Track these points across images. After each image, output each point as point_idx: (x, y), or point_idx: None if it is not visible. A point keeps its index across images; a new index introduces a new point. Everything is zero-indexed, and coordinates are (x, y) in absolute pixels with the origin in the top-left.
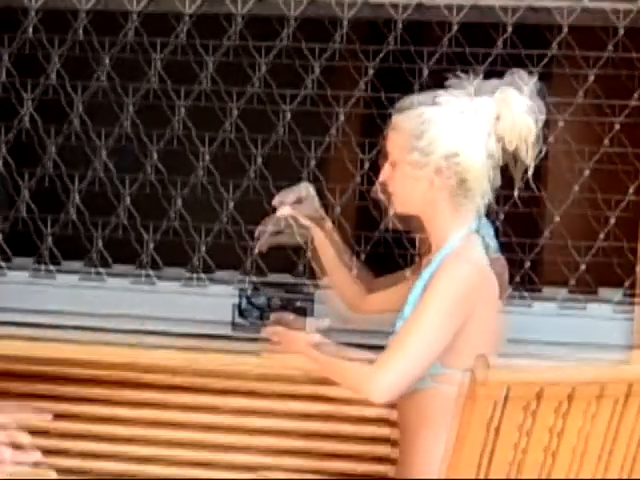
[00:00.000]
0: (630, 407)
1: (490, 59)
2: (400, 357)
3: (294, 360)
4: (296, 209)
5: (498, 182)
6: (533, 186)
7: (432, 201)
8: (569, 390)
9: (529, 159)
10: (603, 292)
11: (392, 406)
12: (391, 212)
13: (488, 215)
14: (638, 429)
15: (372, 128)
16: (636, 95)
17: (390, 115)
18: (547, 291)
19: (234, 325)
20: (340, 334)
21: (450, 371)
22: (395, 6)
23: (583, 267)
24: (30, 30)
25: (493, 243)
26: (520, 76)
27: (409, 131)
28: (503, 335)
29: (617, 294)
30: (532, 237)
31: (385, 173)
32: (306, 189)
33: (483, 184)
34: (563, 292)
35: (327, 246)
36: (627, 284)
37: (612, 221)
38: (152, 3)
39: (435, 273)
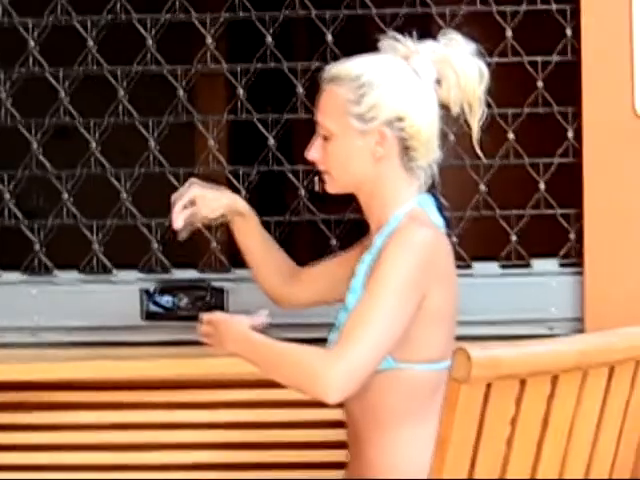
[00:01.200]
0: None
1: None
2: (357, 346)
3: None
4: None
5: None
6: (480, 153)
7: (373, 175)
8: (552, 377)
9: (475, 123)
10: (537, 264)
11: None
12: (327, 190)
13: (431, 189)
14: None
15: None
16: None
17: (318, 84)
18: (477, 267)
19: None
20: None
21: (405, 366)
22: None
23: (514, 238)
24: None
25: (438, 219)
26: (455, 37)
27: (344, 97)
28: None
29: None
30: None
31: (316, 149)
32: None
33: (429, 152)
34: (493, 267)
35: (244, 234)
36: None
37: (542, 187)
38: None
39: (383, 248)
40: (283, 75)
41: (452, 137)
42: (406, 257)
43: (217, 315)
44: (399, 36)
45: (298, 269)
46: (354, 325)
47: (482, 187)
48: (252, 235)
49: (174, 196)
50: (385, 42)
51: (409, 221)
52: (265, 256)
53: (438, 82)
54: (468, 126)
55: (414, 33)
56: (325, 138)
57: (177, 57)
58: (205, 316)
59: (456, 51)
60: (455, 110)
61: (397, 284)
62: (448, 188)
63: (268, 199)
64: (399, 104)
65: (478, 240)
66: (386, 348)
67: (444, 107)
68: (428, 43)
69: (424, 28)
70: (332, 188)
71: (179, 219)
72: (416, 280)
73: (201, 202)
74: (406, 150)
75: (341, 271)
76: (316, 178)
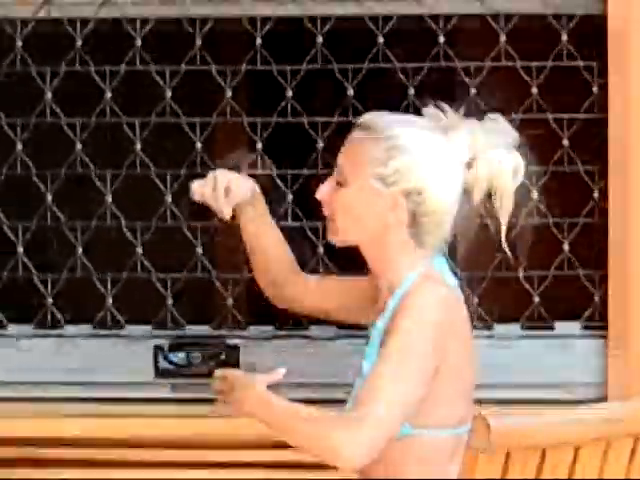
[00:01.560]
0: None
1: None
2: (376, 411)
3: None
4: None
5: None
6: (507, 250)
7: (378, 237)
8: (573, 450)
9: (503, 217)
10: (560, 326)
11: None
12: (327, 238)
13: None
14: None
15: None
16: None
17: (352, 126)
18: (499, 328)
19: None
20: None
21: (422, 432)
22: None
23: (537, 299)
24: None
25: (452, 280)
26: (500, 123)
27: (372, 153)
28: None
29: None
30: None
31: (327, 191)
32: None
33: (439, 231)
34: (515, 329)
35: (254, 220)
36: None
37: (565, 247)
38: None
39: (397, 310)
40: (303, 129)
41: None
42: (422, 317)
43: (232, 372)
44: (445, 106)
45: (300, 273)
46: (372, 389)
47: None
48: (262, 221)
49: (196, 186)
50: (430, 109)
51: (422, 283)
52: (274, 246)
53: (468, 165)
54: (490, 216)
55: (461, 109)
56: (339, 183)
57: (196, 108)
58: (219, 372)
59: (495, 140)
60: (476, 199)
61: (414, 345)
62: (470, 247)
63: None
64: (423, 178)
65: (500, 301)
66: (406, 412)
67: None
68: (470, 122)
69: (448, 82)
70: (333, 237)
71: (227, 209)
72: (433, 340)
73: (235, 185)
74: (415, 224)
75: (352, 296)
76: None
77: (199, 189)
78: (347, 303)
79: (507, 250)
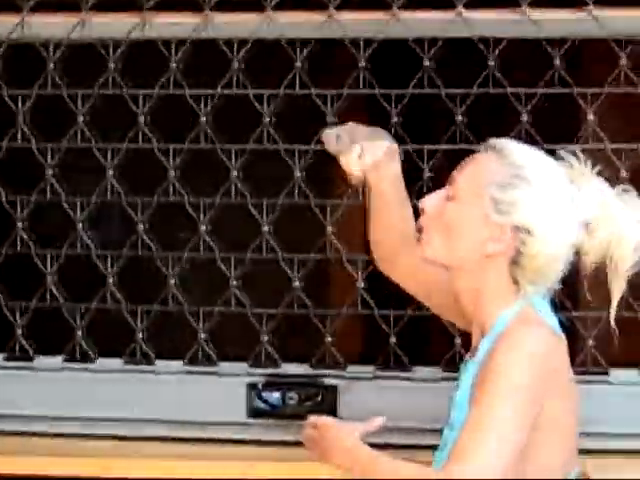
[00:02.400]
0: None
1: None
2: (474, 462)
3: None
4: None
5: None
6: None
7: (475, 264)
8: None
9: (615, 293)
10: None
11: None
12: (418, 253)
13: None
14: None
15: None
16: None
17: (479, 145)
18: (615, 374)
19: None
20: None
21: None
22: None
23: None
24: None
25: (553, 320)
26: (632, 196)
27: (494, 175)
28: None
29: None
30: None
31: (433, 201)
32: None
33: (538, 278)
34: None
35: (383, 180)
36: None
37: None
38: None
39: (491, 353)
40: None
41: None
42: (520, 363)
43: (326, 420)
44: (580, 155)
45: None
46: (471, 438)
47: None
48: (393, 181)
49: (326, 136)
50: (566, 152)
51: (520, 323)
52: (401, 206)
53: (586, 226)
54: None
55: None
56: (448, 197)
57: (231, 134)
58: (312, 419)
59: (626, 212)
60: (588, 264)
61: (512, 393)
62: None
63: None
64: (538, 218)
65: (616, 344)
66: (508, 459)
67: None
68: (601, 183)
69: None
70: (425, 252)
71: (357, 170)
72: (532, 389)
73: (366, 150)
74: (516, 263)
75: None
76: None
77: (333, 140)
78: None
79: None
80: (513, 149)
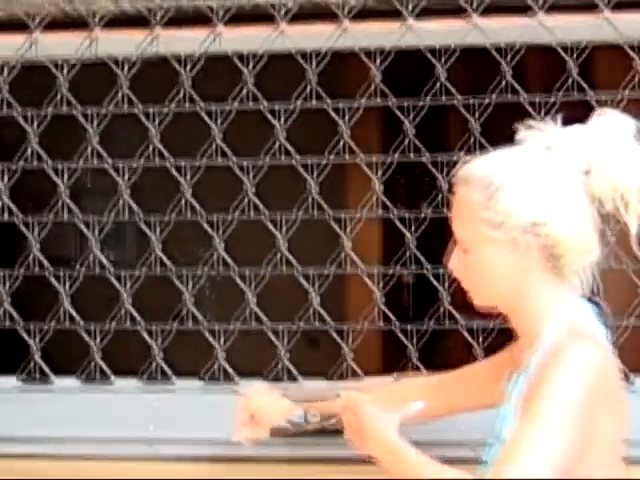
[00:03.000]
0: None
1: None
2: (521, 471)
3: None
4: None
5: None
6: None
7: (519, 287)
8: None
9: (633, 220)
10: None
11: None
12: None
13: (591, 294)
14: None
15: None
16: None
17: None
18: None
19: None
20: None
21: None
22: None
23: None
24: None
25: (599, 329)
26: (612, 116)
27: (472, 200)
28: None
29: None
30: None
31: (455, 262)
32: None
33: (584, 254)
34: None
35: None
36: None
37: None
38: None
39: (541, 368)
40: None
41: (610, 236)
42: (572, 378)
43: (358, 400)
44: (541, 123)
45: (440, 379)
46: (514, 451)
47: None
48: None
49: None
50: (524, 132)
51: (570, 338)
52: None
53: (587, 173)
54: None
55: (558, 118)
56: (463, 250)
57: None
58: (344, 397)
59: (609, 134)
60: (608, 206)
61: (563, 407)
62: (607, 293)
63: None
64: (534, 208)
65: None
66: (550, 472)
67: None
68: (575, 128)
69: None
70: (478, 304)
71: (239, 433)
72: (584, 404)
73: (259, 416)
74: (552, 257)
75: (490, 375)
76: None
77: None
78: (486, 387)
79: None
80: (470, 170)
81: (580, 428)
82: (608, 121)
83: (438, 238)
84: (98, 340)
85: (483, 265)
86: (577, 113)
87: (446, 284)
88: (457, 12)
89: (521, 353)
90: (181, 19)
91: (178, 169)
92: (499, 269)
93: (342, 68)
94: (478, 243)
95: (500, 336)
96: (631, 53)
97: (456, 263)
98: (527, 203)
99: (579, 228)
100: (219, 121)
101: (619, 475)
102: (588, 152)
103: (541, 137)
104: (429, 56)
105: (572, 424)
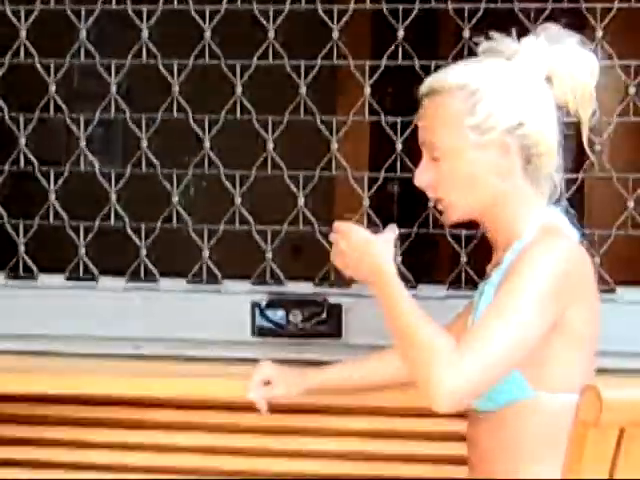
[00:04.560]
0: None
1: None
2: (482, 348)
3: None
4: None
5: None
6: (591, 155)
7: (499, 193)
8: None
9: (586, 120)
10: None
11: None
12: (446, 222)
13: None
14: None
15: None
16: None
17: (419, 99)
18: (622, 292)
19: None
20: None
21: (545, 395)
22: None
23: None
24: None
25: (574, 233)
26: (557, 31)
27: (455, 108)
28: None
29: None
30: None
31: (426, 175)
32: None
33: (552, 158)
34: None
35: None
36: None
37: None
38: None
39: (515, 260)
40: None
41: (598, 147)
42: (545, 265)
43: (355, 230)
44: (497, 35)
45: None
46: (480, 328)
47: (630, 203)
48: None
49: None
50: (483, 45)
51: (545, 233)
52: (371, 379)
53: (548, 80)
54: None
55: (513, 31)
56: (435, 159)
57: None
58: (336, 225)
59: (562, 44)
60: (573, 109)
61: (533, 292)
62: (594, 203)
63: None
64: (517, 108)
65: (624, 262)
66: (513, 360)
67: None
68: (529, 40)
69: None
70: (452, 216)
71: (255, 394)
72: (555, 291)
73: (276, 381)
74: (530, 159)
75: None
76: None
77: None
78: None
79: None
80: (445, 77)
81: (549, 314)
82: (557, 34)
83: None
84: (83, 238)
85: (463, 172)
86: (568, 21)
87: None
88: None
89: (497, 256)
90: None
91: (168, 69)
92: (480, 173)
93: None
94: (459, 150)
95: (485, 243)
96: None
97: (428, 175)
98: (507, 106)
99: (552, 128)
100: (213, 22)
101: (586, 367)
102: (547, 61)
103: (502, 49)
104: None
105: (540, 309)
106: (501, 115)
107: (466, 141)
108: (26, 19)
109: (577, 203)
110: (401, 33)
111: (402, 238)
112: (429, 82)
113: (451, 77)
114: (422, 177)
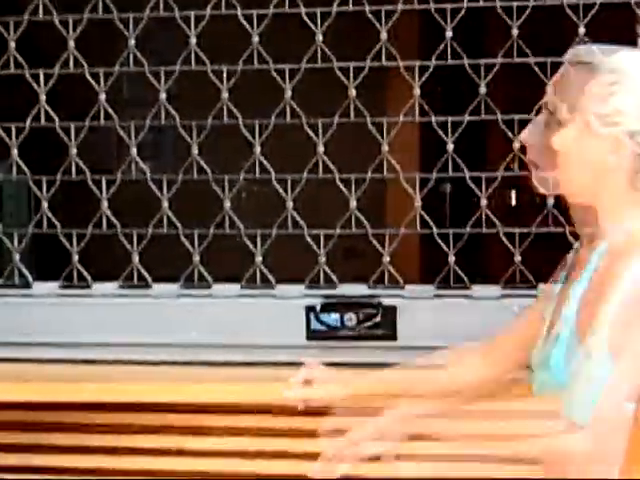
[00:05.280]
0: None
1: None
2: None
3: None
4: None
5: None
6: None
7: (596, 185)
8: None
9: None
10: None
11: None
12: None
13: None
14: None
15: None
16: None
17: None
18: None
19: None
20: None
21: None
22: None
23: None
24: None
25: None
26: None
27: (590, 89)
28: None
29: None
30: None
31: (535, 133)
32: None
33: None
34: None
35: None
36: None
37: None
38: None
39: (603, 274)
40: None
41: None
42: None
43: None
44: (584, 48)
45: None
46: (606, 405)
47: None
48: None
49: None
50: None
51: (635, 244)
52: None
53: None
54: None
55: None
56: (547, 125)
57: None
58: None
59: None
60: None
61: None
62: None
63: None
64: None
65: None
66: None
67: None
68: None
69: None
70: (565, 187)
71: (292, 392)
72: None
73: (318, 383)
74: (637, 167)
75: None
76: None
77: None
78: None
79: None
80: (601, 55)
81: None
82: None
83: (478, 144)
84: (136, 245)
85: (572, 146)
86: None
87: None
88: None
89: (582, 253)
90: None
91: (217, 75)
92: (586, 158)
93: None
94: (575, 126)
95: (539, 242)
96: None
97: (535, 135)
98: (638, 110)
99: None
100: (260, 27)
101: None
102: None
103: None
104: None
105: None
106: (631, 117)
107: (585, 122)
108: (74, 28)
109: None
110: (449, 33)
111: (455, 238)
112: (583, 49)
113: (606, 57)
114: (530, 135)
